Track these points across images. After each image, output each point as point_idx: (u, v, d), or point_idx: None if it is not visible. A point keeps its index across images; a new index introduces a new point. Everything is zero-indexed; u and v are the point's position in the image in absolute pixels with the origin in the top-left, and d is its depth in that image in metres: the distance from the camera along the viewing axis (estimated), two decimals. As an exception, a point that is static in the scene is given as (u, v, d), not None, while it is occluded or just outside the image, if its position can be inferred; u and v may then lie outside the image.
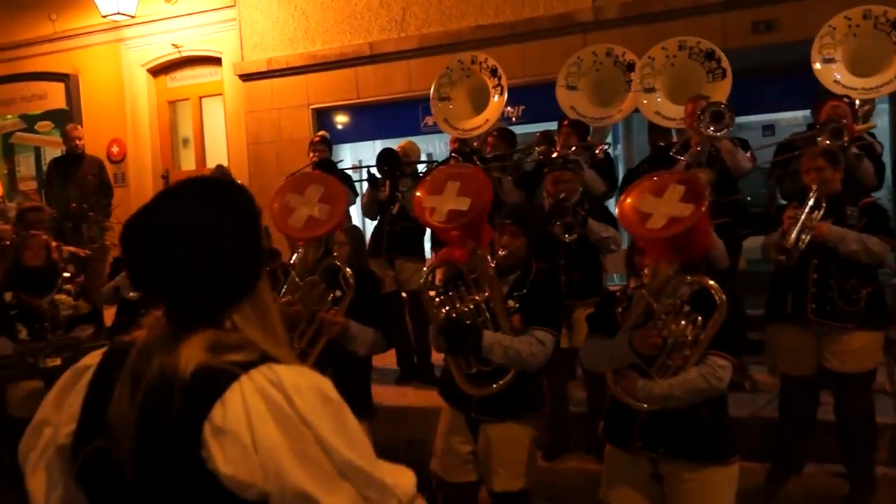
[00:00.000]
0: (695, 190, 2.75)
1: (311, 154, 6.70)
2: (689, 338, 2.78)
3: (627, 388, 2.87)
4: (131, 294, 5.00)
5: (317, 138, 6.93)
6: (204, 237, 1.29)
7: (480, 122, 6.10)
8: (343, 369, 3.34)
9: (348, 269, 3.39)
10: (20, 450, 1.40)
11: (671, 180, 2.82)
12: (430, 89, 6.38)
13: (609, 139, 6.59)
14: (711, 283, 2.78)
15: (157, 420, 1.21)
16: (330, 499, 1.22)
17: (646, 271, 2.81)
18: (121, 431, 1.23)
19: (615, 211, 3.37)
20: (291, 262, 3.43)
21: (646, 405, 2.84)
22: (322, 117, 8.30)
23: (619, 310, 3.00)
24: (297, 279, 3.36)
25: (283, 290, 3.38)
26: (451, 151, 6.23)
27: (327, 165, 6.38)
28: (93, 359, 1.37)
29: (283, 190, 3.54)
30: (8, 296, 5.16)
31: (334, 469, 1.23)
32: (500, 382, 3.25)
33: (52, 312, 4.89)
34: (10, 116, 10.06)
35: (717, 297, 2.73)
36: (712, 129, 4.57)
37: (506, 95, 6.08)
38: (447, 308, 3.29)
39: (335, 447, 1.22)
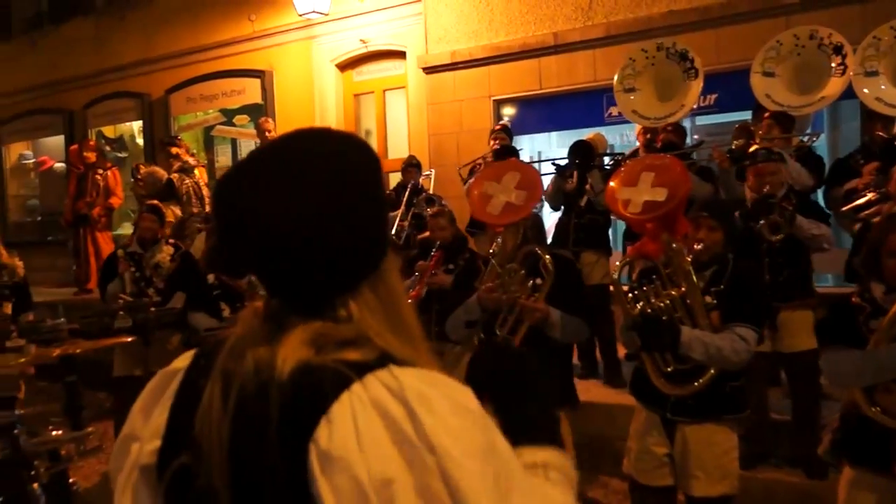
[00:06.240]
0: None
1: (493, 141, 6.73)
2: None
3: None
4: None
5: (498, 126, 7.04)
6: (314, 200, 1.01)
7: (675, 109, 5.81)
8: (546, 356, 3.36)
9: (548, 256, 3.40)
10: (109, 470, 1.18)
11: None
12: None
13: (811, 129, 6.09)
14: None
15: (254, 434, 0.96)
16: None
17: None
18: (210, 447, 0.99)
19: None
20: (491, 250, 3.48)
21: None
22: (503, 108, 8.30)
23: (862, 318, 2.72)
24: (497, 267, 3.40)
25: (484, 277, 3.45)
26: (648, 144, 5.97)
27: (510, 152, 6.36)
28: (183, 361, 1.14)
29: (481, 178, 3.63)
30: (210, 277, 5.54)
31: None
32: (700, 381, 3.07)
33: (251, 292, 5.18)
34: (211, 111, 10.92)
35: None
36: None
37: (701, 78, 5.75)
38: (641, 303, 3.13)
39: (464, 489, 0.90)
